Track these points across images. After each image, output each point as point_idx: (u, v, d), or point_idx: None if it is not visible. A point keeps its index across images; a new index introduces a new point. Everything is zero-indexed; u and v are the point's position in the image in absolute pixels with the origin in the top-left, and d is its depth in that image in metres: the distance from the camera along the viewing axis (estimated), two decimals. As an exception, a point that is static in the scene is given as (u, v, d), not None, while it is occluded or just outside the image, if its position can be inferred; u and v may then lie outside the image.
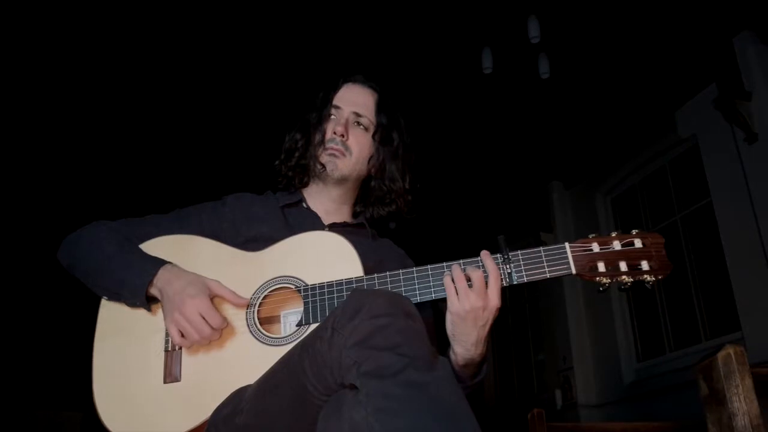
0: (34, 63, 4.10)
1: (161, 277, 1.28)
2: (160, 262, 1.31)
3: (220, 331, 1.25)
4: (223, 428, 1.16)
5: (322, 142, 1.48)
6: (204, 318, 1.22)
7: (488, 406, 6.94)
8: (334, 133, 1.47)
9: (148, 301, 1.30)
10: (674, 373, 4.66)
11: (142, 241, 1.40)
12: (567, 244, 1.22)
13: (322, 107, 1.51)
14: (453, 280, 1.19)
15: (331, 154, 1.46)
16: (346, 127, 1.48)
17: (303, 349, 1.05)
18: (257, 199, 1.51)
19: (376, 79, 1.59)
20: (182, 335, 1.24)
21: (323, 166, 1.46)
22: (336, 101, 1.51)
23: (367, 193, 1.56)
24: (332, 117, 1.51)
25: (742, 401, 1.00)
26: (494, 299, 1.18)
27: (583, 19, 3.98)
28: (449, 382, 0.95)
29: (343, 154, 1.47)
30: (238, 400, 1.16)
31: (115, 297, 1.33)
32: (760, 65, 4.14)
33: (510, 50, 4.02)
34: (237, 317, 1.29)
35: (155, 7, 3.74)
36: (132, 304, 1.32)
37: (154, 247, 1.39)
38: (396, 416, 0.88)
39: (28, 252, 5.55)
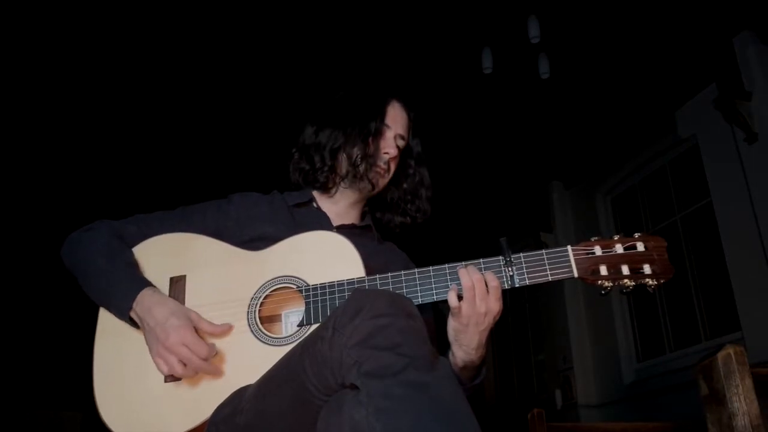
0: (35, 63, 4.10)
1: (141, 303, 1.25)
2: (141, 285, 1.28)
3: (210, 362, 1.21)
4: (223, 428, 1.16)
5: (374, 158, 1.46)
6: (190, 349, 1.19)
7: (488, 406, 6.94)
8: (386, 152, 1.47)
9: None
10: (674, 373, 4.65)
11: (146, 238, 1.40)
12: (569, 247, 1.22)
13: (379, 122, 1.48)
14: (457, 294, 1.18)
15: (377, 173, 1.47)
16: (396, 149, 1.49)
17: (304, 349, 1.05)
18: (263, 199, 1.50)
19: (375, 80, 1.59)
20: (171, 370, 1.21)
21: (372, 184, 1.46)
22: (387, 120, 1.50)
23: (381, 199, 1.57)
24: (384, 134, 1.49)
25: (742, 401, 1.00)
26: (495, 305, 1.18)
27: (583, 19, 3.98)
28: (450, 382, 0.95)
29: (385, 174, 1.49)
30: (238, 399, 1.16)
31: (105, 307, 1.33)
32: (760, 65, 4.14)
33: (510, 50, 4.02)
34: (238, 317, 1.29)
35: (157, 7, 3.74)
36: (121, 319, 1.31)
37: (154, 245, 1.39)
38: (397, 416, 0.88)
39: (29, 252, 5.55)
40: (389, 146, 1.47)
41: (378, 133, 1.47)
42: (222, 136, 4.99)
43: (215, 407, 1.19)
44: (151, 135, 4.93)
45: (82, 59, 4.11)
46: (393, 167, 1.51)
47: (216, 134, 4.97)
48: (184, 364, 1.19)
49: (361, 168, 1.44)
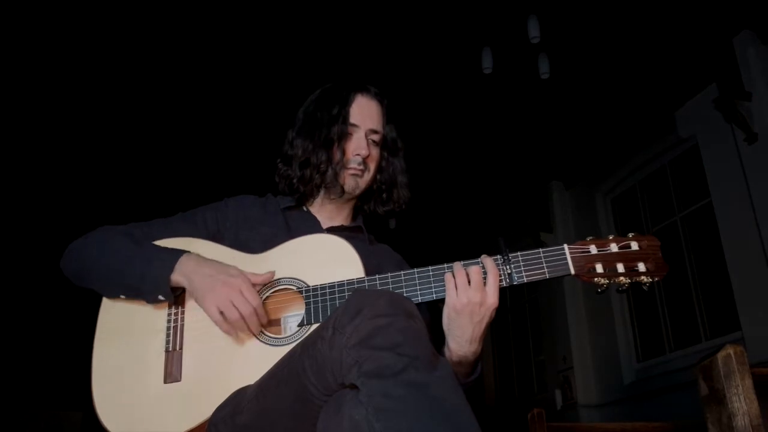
0: (35, 66, 4.09)
1: (186, 264, 1.27)
2: (179, 251, 1.31)
3: (258, 317, 1.23)
4: (223, 428, 1.16)
5: (342, 162, 1.44)
6: (244, 296, 1.22)
7: (488, 406, 6.95)
8: (358, 154, 1.44)
9: (173, 292, 1.29)
10: (674, 373, 4.66)
11: (151, 240, 1.40)
12: (566, 246, 1.24)
13: (342, 124, 1.44)
14: (453, 276, 1.20)
15: (353, 175, 1.45)
16: (368, 147, 1.45)
17: (304, 349, 1.05)
18: (258, 202, 1.52)
19: (375, 80, 1.58)
20: (223, 315, 1.22)
21: (343, 189, 1.44)
22: (353, 119, 1.45)
23: (368, 194, 1.55)
24: (351, 135, 1.45)
25: (742, 401, 1.00)
26: (492, 296, 1.18)
27: (583, 19, 3.98)
28: (450, 383, 0.95)
29: (363, 173, 1.47)
30: (238, 399, 1.16)
31: (134, 294, 1.31)
32: (760, 65, 4.14)
33: (510, 50, 4.02)
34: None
35: (159, 9, 3.74)
36: (153, 299, 1.29)
37: None
38: (396, 416, 0.88)
39: (28, 252, 5.55)
40: (359, 147, 1.44)
41: (343, 137, 1.44)
42: (218, 141, 4.99)
43: (215, 407, 1.19)
44: (148, 138, 4.93)
45: (83, 66, 4.11)
46: (372, 164, 1.48)
47: (213, 139, 4.97)
48: (240, 310, 1.21)
49: (328, 176, 1.43)
